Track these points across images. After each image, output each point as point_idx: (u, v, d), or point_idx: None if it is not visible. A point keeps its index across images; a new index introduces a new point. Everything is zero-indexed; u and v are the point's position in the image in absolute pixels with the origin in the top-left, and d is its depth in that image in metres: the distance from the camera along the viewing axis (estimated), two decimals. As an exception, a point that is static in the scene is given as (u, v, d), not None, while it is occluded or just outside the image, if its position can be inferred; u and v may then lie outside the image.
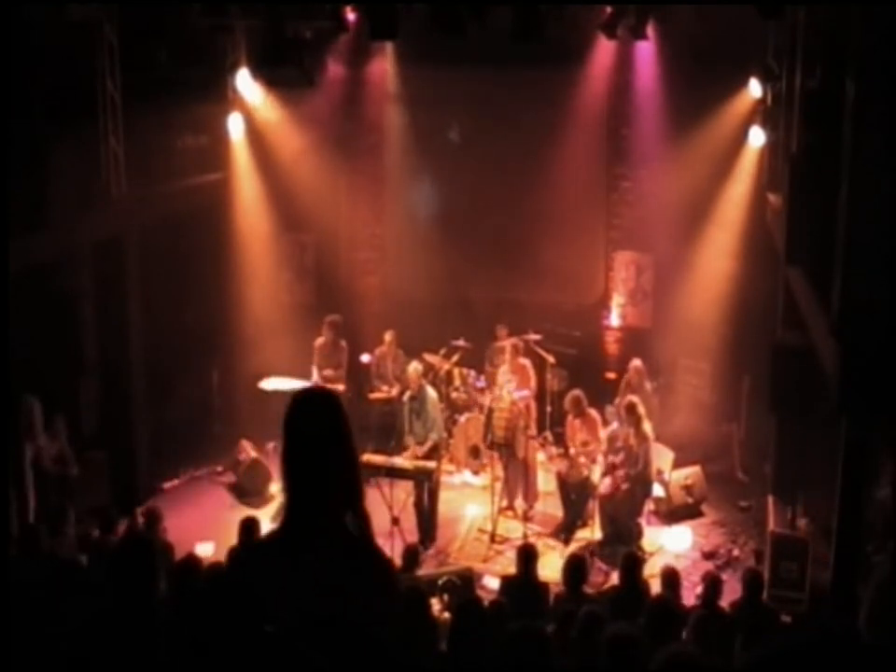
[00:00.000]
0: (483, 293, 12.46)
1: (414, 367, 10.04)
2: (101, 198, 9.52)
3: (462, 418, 11.26)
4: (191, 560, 6.07)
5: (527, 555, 7.39)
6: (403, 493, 9.46)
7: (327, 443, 2.74)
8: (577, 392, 10.11)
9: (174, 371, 11.99)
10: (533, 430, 10.72)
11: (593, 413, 10.13)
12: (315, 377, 10.90)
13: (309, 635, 2.63)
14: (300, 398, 2.82)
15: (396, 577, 2.85)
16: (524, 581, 7.30)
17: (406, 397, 10.04)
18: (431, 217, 12.74)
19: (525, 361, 10.67)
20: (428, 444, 9.75)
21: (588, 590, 7.14)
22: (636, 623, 5.17)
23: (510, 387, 10.18)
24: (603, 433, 9.94)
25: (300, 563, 2.69)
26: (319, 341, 11.05)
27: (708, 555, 9.47)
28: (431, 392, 9.99)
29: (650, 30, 9.87)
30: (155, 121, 10.21)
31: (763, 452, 10.40)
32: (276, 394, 10.95)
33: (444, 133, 12.69)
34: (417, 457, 9.65)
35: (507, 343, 10.80)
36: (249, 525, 7.51)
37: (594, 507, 9.77)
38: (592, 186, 12.34)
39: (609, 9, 9.81)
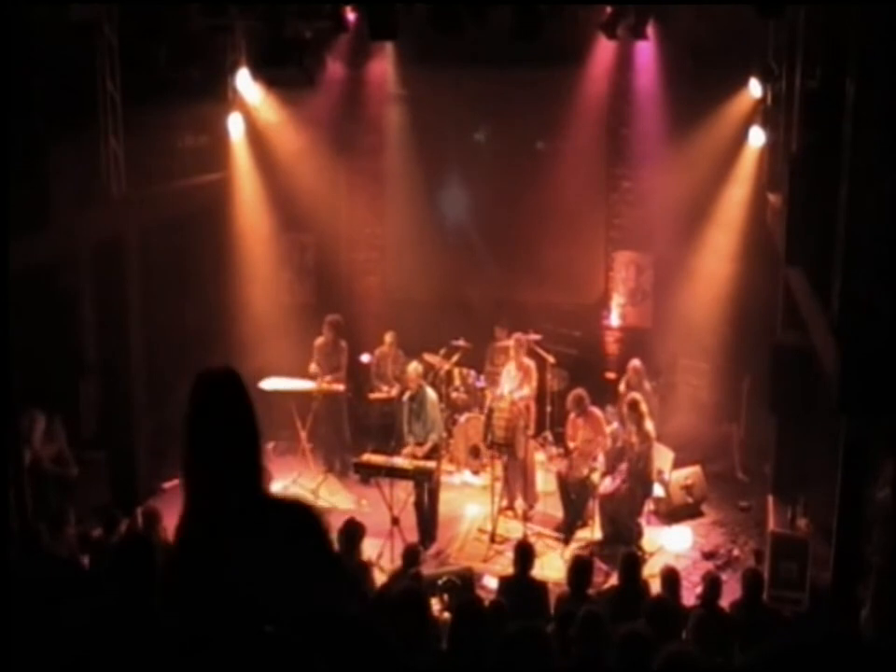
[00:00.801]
0: (483, 293, 12.46)
1: (414, 367, 10.04)
2: (101, 198, 9.52)
3: (462, 418, 11.26)
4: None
5: (524, 554, 7.39)
6: (403, 493, 9.46)
7: (229, 421, 2.80)
8: (579, 391, 10.11)
9: (174, 371, 11.98)
10: (532, 430, 10.72)
11: (596, 411, 10.14)
12: (316, 374, 10.89)
13: (310, 631, 2.63)
14: (199, 381, 2.90)
15: (318, 516, 2.85)
16: (521, 580, 7.30)
17: (405, 397, 10.04)
18: (431, 216, 12.74)
19: (530, 361, 10.67)
20: (428, 445, 9.75)
21: (588, 590, 7.13)
22: (638, 623, 5.17)
23: (512, 386, 10.19)
24: (606, 430, 9.95)
25: (232, 547, 2.71)
26: (319, 341, 11.04)
27: (708, 555, 9.47)
28: (431, 392, 9.99)
29: (650, 30, 9.85)
30: (155, 121, 10.20)
31: (763, 452, 10.40)
32: (276, 394, 10.96)
33: (444, 134, 12.68)
34: (417, 457, 9.66)
35: (510, 342, 10.79)
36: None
37: (594, 507, 9.77)
38: (592, 186, 12.34)
39: (608, 9, 9.80)
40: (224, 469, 2.75)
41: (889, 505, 7.00)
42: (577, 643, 4.72)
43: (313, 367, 10.90)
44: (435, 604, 6.89)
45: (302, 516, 2.82)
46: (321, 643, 2.65)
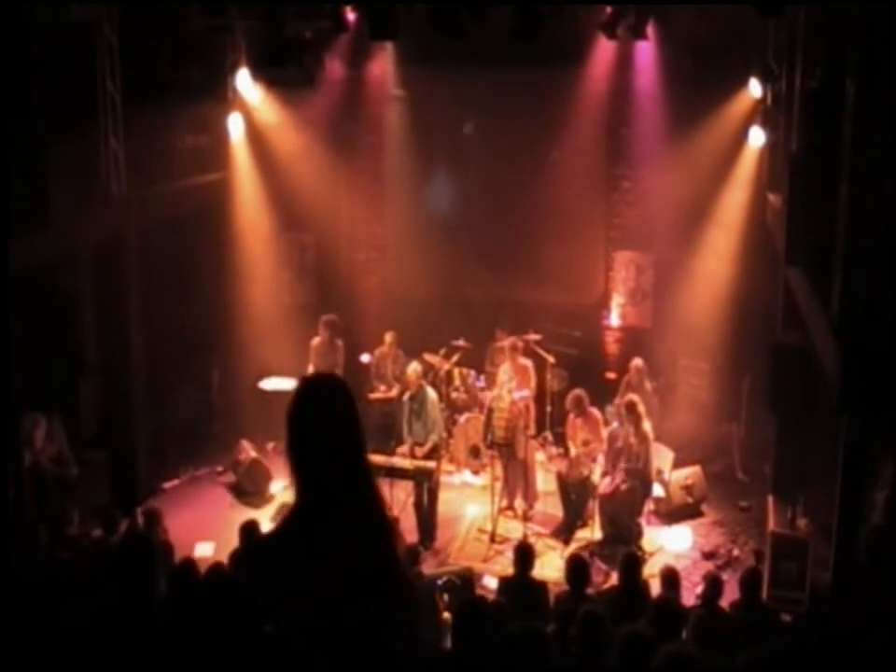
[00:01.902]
0: (483, 293, 12.46)
1: (414, 368, 10.04)
2: (101, 198, 9.52)
3: (462, 418, 11.26)
4: (188, 563, 6.07)
5: (524, 555, 7.39)
6: (403, 493, 9.46)
7: (335, 427, 2.70)
8: (579, 391, 10.11)
9: (174, 371, 11.99)
10: (532, 430, 10.72)
11: (595, 411, 10.14)
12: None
13: (326, 635, 2.61)
14: (306, 384, 2.80)
15: (411, 583, 2.81)
16: (521, 580, 7.30)
17: (406, 397, 10.04)
18: (431, 216, 12.74)
19: (526, 361, 10.67)
20: (429, 445, 9.75)
21: (588, 590, 7.13)
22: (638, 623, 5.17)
23: (510, 386, 10.18)
24: (604, 432, 9.94)
25: (320, 556, 2.63)
26: (315, 341, 11.05)
27: (708, 555, 9.47)
28: (431, 392, 9.99)
29: (650, 30, 9.85)
30: (155, 121, 10.20)
31: (763, 452, 10.40)
32: (276, 394, 10.97)
33: (444, 134, 12.69)
34: (416, 457, 9.66)
35: (506, 344, 10.80)
36: (250, 530, 7.49)
37: (594, 507, 9.77)
38: (592, 186, 12.34)
39: (608, 9, 9.81)
40: (329, 471, 2.68)
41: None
42: (577, 642, 4.72)
43: (311, 370, 10.89)
44: (435, 604, 6.90)
45: (408, 596, 2.78)
46: (326, 645, 2.64)
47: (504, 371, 10.50)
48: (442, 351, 11.54)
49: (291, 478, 2.72)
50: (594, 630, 4.69)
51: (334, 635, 2.60)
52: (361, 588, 2.63)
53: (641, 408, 9.51)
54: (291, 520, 2.72)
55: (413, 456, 9.68)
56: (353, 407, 2.76)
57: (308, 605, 2.61)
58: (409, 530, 9.35)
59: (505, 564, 8.91)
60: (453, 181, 12.77)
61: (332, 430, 2.70)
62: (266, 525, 7.82)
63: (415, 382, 9.88)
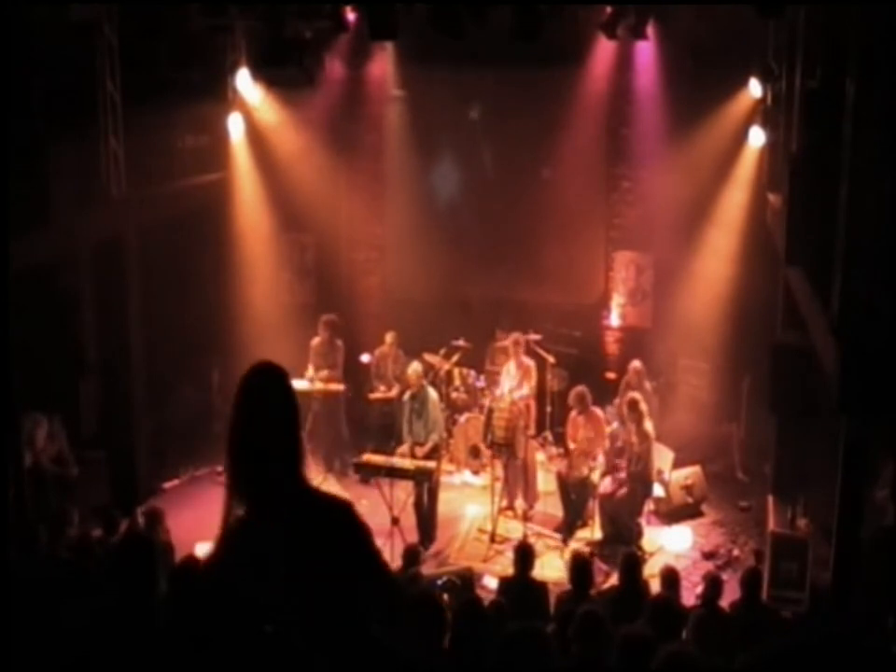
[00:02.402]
0: (483, 293, 12.46)
1: (414, 368, 10.04)
2: (101, 198, 9.52)
3: (462, 418, 11.26)
4: (188, 563, 6.07)
5: (524, 555, 7.39)
6: (403, 493, 9.46)
7: (276, 414, 2.84)
8: (582, 388, 10.12)
9: (174, 371, 11.99)
10: (532, 430, 10.72)
11: (597, 410, 10.14)
12: (310, 375, 10.88)
13: (312, 631, 2.63)
14: (249, 373, 2.92)
15: (358, 515, 2.89)
16: (521, 581, 7.30)
17: (406, 397, 10.04)
18: (431, 217, 12.73)
19: (529, 360, 10.67)
20: (429, 445, 9.76)
21: (590, 588, 7.13)
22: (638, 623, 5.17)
23: (512, 385, 10.19)
24: (606, 430, 9.95)
25: (271, 538, 2.74)
26: (315, 340, 11.05)
27: (708, 555, 9.47)
28: (432, 392, 10.00)
29: (650, 30, 9.85)
30: (155, 121, 10.20)
31: (763, 452, 10.40)
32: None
33: (444, 133, 12.68)
34: (416, 457, 9.66)
35: (509, 342, 10.79)
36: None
37: (594, 507, 9.77)
38: (592, 186, 12.34)
39: (608, 9, 9.80)
40: (270, 456, 2.81)
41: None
42: (576, 642, 4.72)
43: (310, 370, 10.89)
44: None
45: (346, 512, 2.87)
46: (326, 645, 2.65)
47: (507, 371, 10.50)
48: (442, 351, 11.53)
49: (228, 466, 2.89)
50: (593, 630, 4.69)
51: (317, 632, 2.66)
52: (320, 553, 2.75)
53: (643, 406, 9.51)
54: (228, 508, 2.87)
55: (413, 456, 9.68)
56: (285, 391, 2.91)
57: (275, 584, 2.70)
58: (409, 530, 9.36)
59: (505, 564, 8.91)
60: (453, 181, 12.75)
61: (265, 414, 2.84)
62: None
63: (416, 382, 9.88)
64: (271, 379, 2.92)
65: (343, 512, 2.86)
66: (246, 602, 2.72)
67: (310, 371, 10.88)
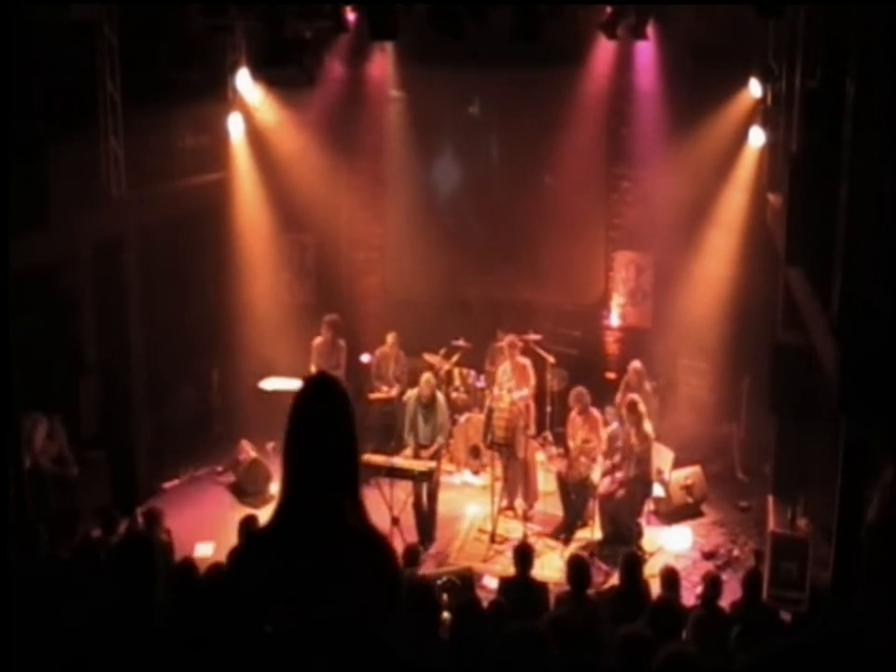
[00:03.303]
0: (483, 293, 12.46)
1: (427, 379, 10.00)
2: (101, 198, 9.53)
3: (462, 418, 11.25)
4: (187, 563, 6.08)
5: (523, 556, 7.39)
6: (403, 493, 9.46)
7: (331, 427, 2.75)
8: (582, 388, 10.13)
9: (174, 371, 11.99)
10: (532, 430, 10.72)
11: (595, 412, 10.14)
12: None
13: (312, 632, 2.63)
14: (309, 382, 2.85)
15: (398, 565, 2.85)
16: (521, 581, 7.29)
17: (411, 400, 10.00)
18: (431, 217, 12.73)
19: (525, 361, 10.66)
20: (434, 447, 9.77)
21: (588, 590, 7.13)
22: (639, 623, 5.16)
23: (510, 385, 10.18)
24: (604, 433, 9.95)
25: (300, 554, 2.68)
26: (317, 340, 11.05)
27: (708, 555, 9.47)
28: (442, 399, 10.03)
29: (650, 30, 9.85)
30: (155, 121, 10.20)
31: (763, 452, 10.40)
32: (276, 394, 10.96)
33: (444, 133, 12.68)
34: (421, 459, 9.68)
35: (504, 343, 10.80)
36: (248, 524, 7.51)
37: (594, 507, 9.77)
38: (592, 186, 12.33)
39: (608, 9, 9.80)
40: (323, 472, 2.73)
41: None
42: (576, 644, 4.71)
43: (312, 370, 10.90)
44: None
45: (381, 553, 2.79)
46: (323, 641, 2.65)
47: (503, 372, 10.50)
48: (442, 351, 11.54)
49: (283, 474, 2.78)
50: (593, 632, 4.67)
51: (317, 633, 2.64)
52: (343, 587, 2.67)
53: (643, 408, 9.51)
54: (278, 517, 2.79)
55: (417, 458, 9.69)
56: (351, 411, 2.82)
57: (289, 603, 2.66)
58: (409, 530, 9.37)
59: (505, 564, 8.91)
60: (453, 180, 12.75)
61: (330, 432, 2.75)
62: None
63: (428, 392, 9.87)
64: (317, 390, 2.84)
65: (378, 553, 2.78)
66: (252, 603, 2.70)
67: (312, 371, 10.89)
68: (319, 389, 2.85)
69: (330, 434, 2.75)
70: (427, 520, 9.70)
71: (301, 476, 2.76)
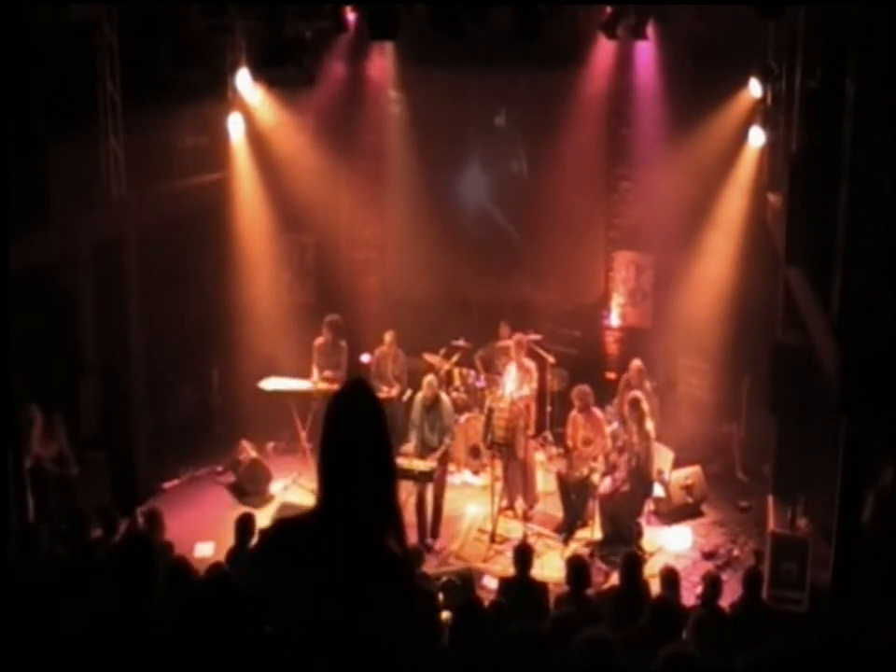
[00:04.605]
0: (483, 293, 12.45)
1: (429, 382, 9.97)
2: (101, 198, 9.53)
3: (462, 418, 11.24)
4: (181, 562, 6.08)
5: (523, 556, 7.39)
6: (403, 493, 9.46)
7: (368, 435, 2.74)
8: (585, 387, 10.10)
9: (174, 371, 11.99)
10: (532, 430, 10.71)
11: (597, 411, 10.14)
12: (315, 377, 10.90)
13: (312, 632, 2.62)
14: (345, 391, 2.85)
15: (418, 595, 2.82)
16: (521, 581, 7.30)
17: (418, 403, 9.99)
18: (431, 217, 12.72)
19: (530, 361, 10.66)
20: (441, 449, 9.76)
21: (588, 590, 7.13)
22: (635, 624, 5.16)
23: (514, 385, 10.18)
24: (607, 431, 9.94)
25: (325, 568, 2.65)
26: (319, 341, 11.04)
27: (708, 555, 9.47)
28: (446, 400, 10.00)
29: (650, 30, 9.85)
30: (155, 121, 10.20)
31: (763, 452, 10.40)
32: (276, 394, 10.96)
33: (444, 134, 12.67)
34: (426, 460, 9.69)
35: (511, 342, 10.79)
36: (246, 523, 7.52)
37: (594, 507, 9.77)
38: (592, 186, 12.34)
39: (608, 9, 9.80)
40: (360, 481, 2.70)
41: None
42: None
43: (315, 374, 10.90)
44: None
45: (399, 578, 2.75)
46: (328, 643, 2.64)
47: (509, 372, 10.49)
48: (442, 351, 11.54)
49: (318, 477, 2.75)
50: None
51: (332, 637, 2.61)
52: (362, 596, 2.65)
53: (645, 405, 9.51)
54: (309, 518, 2.75)
55: (421, 459, 9.68)
56: (385, 418, 2.81)
57: (307, 606, 2.63)
58: (409, 530, 9.34)
59: (505, 564, 8.91)
60: (452, 181, 12.75)
61: (369, 438, 2.74)
62: (264, 524, 7.80)
63: (431, 394, 9.84)
64: (354, 400, 2.82)
65: (397, 577, 2.73)
66: (257, 603, 2.69)
67: (315, 375, 10.89)
68: (356, 397, 2.82)
69: (368, 441, 2.73)
70: (434, 516, 9.70)
71: (337, 485, 2.71)
